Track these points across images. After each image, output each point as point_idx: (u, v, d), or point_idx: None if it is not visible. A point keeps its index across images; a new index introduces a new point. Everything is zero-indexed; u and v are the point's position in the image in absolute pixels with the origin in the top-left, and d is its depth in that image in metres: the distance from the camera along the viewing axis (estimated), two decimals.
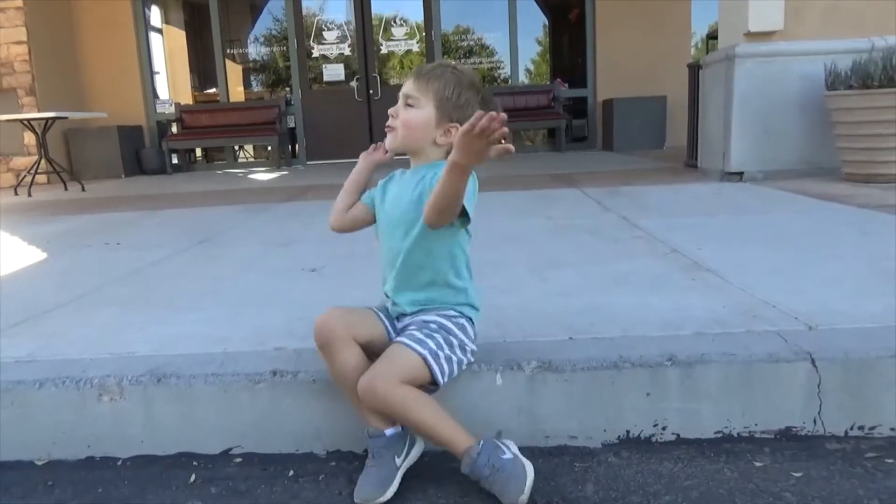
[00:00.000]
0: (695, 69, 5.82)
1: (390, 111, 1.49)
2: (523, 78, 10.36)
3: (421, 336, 1.42)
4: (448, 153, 1.37)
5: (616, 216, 3.61)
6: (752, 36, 4.84)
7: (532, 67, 11.64)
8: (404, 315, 1.53)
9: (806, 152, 4.84)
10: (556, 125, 9.31)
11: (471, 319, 1.52)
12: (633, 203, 4.07)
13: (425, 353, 1.39)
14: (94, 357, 1.73)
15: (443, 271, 1.49)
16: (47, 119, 6.79)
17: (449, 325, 1.46)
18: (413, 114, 1.46)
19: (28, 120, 6.90)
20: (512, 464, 1.33)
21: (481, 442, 1.34)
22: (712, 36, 8.27)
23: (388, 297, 1.57)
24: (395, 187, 1.57)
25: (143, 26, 9.62)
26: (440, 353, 1.41)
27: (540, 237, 3.16)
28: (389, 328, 1.52)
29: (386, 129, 1.50)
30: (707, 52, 10.57)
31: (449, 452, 1.54)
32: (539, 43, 11.54)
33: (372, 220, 1.63)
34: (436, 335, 1.43)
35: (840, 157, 4.56)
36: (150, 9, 10.09)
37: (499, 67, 10.72)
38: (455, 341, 1.46)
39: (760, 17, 4.78)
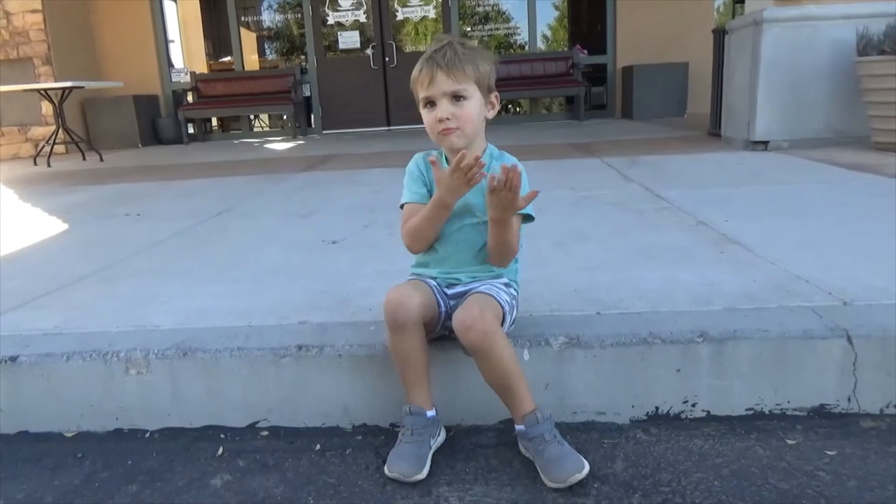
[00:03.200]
0: (720, 35, 5.66)
1: (441, 115, 1.41)
2: (541, 45, 10.18)
3: (497, 292, 1.45)
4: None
5: (639, 187, 3.55)
6: (782, 0, 4.69)
7: (550, 34, 11.44)
8: (457, 284, 1.53)
9: (834, 120, 4.71)
10: (574, 93, 9.16)
11: (517, 293, 1.55)
12: (656, 173, 4.00)
13: (506, 308, 1.44)
14: (120, 330, 1.74)
15: None
16: (64, 89, 6.78)
17: (509, 292, 1.50)
18: (469, 106, 1.43)
19: (45, 90, 6.89)
20: (569, 447, 1.34)
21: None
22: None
23: (441, 273, 1.55)
24: None
25: None
26: (510, 314, 1.47)
27: (563, 209, 3.11)
28: (441, 301, 1.50)
29: (445, 133, 1.43)
30: (733, 17, 10.30)
31: (475, 428, 1.54)
32: (557, 8, 11.32)
33: None
34: (505, 296, 1.47)
35: (870, 125, 4.44)
36: None
37: (516, 34, 10.54)
38: (515, 310, 1.52)
39: None
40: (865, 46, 4.37)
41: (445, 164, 1.50)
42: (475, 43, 1.49)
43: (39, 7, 8.38)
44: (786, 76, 4.69)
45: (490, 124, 1.57)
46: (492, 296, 1.43)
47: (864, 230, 2.40)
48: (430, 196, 1.48)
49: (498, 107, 1.50)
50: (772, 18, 4.64)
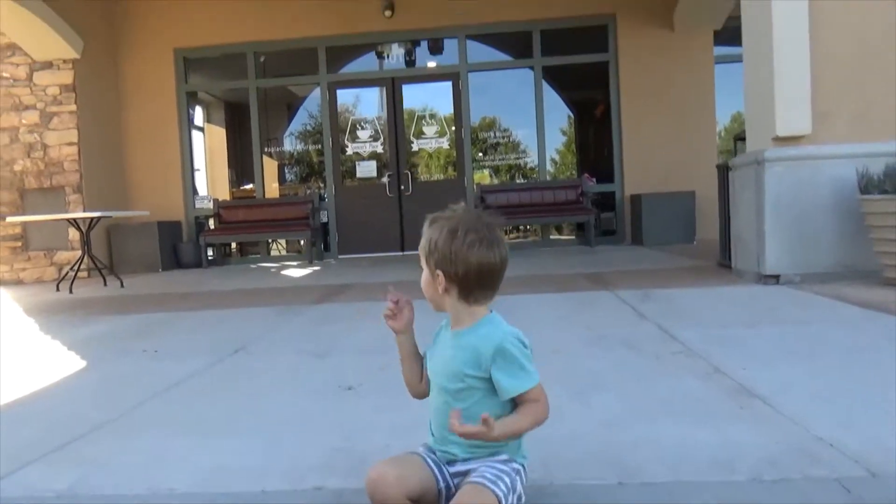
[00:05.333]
0: (724, 170, 5.88)
1: None
2: (550, 168, 10.56)
3: (493, 477, 1.40)
4: (468, 306, 1.49)
5: (653, 325, 3.56)
6: (781, 140, 4.90)
7: (559, 160, 11.90)
8: (455, 461, 1.50)
9: (843, 255, 4.78)
10: (584, 220, 9.40)
11: (523, 466, 1.50)
12: (669, 309, 4.03)
13: (500, 494, 1.36)
14: (134, 493, 1.72)
15: None
16: (92, 218, 7.05)
17: (509, 470, 1.44)
18: (422, 275, 1.53)
19: (74, 219, 7.18)
20: None
21: None
22: (740, 137, 8.42)
23: (435, 443, 1.54)
24: (440, 345, 1.57)
25: (187, 126, 10.10)
26: (508, 498, 1.39)
27: (578, 350, 3.12)
28: (438, 475, 1.48)
29: None
30: (735, 153, 10.71)
31: None
32: (565, 133, 11.85)
33: None
34: (504, 478, 1.41)
35: (879, 261, 4.50)
36: (193, 109, 10.65)
37: (527, 162, 10.97)
38: (518, 489, 1.43)
39: (788, 122, 4.85)
40: (867, 185, 4.51)
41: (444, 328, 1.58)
42: (462, 218, 1.49)
43: (76, 140, 8.89)
44: (792, 212, 4.82)
45: None
46: (485, 486, 1.37)
47: (882, 381, 2.37)
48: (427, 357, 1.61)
49: (444, 285, 1.46)
50: (773, 158, 4.83)
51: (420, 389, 1.64)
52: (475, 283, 1.46)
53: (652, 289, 4.85)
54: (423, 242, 1.50)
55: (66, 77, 8.84)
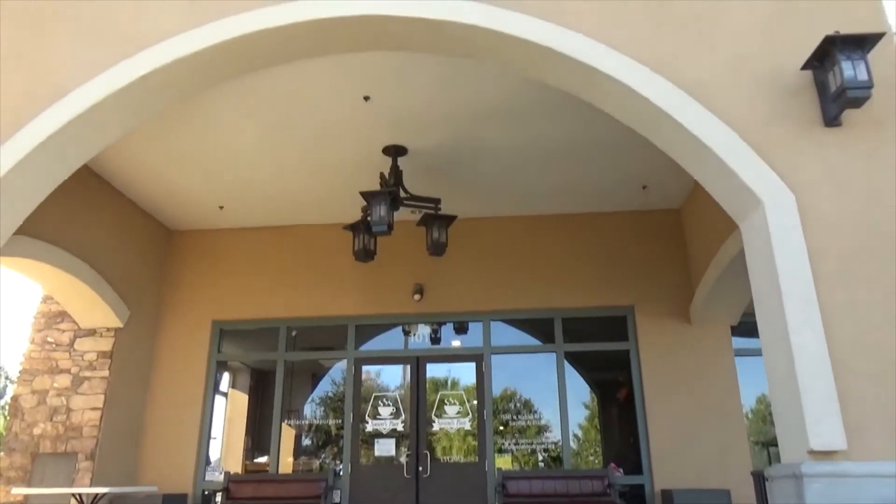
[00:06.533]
0: (760, 478, 5.62)
1: None
2: (573, 445, 10.19)
3: None
4: None
5: None
6: (816, 454, 4.73)
7: (583, 437, 11.54)
8: None
9: None
10: None
11: None
12: None
13: None
14: None
15: None
16: (97, 494, 6.80)
17: None
18: None
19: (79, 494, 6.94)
20: None
21: None
22: (771, 444, 8.24)
23: None
24: None
25: (212, 395, 10.20)
26: None
27: None
28: None
29: None
30: (767, 454, 10.33)
31: None
32: (587, 408, 11.63)
33: None
34: None
35: None
36: (220, 375, 10.84)
37: (549, 439, 10.62)
38: None
39: (820, 436, 4.71)
40: None
41: None
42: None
43: (100, 405, 8.96)
44: None
45: None
46: None
47: None
48: None
49: None
50: (811, 473, 4.61)
51: None
52: None
53: None
54: None
55: (106, 344, 9.23)
